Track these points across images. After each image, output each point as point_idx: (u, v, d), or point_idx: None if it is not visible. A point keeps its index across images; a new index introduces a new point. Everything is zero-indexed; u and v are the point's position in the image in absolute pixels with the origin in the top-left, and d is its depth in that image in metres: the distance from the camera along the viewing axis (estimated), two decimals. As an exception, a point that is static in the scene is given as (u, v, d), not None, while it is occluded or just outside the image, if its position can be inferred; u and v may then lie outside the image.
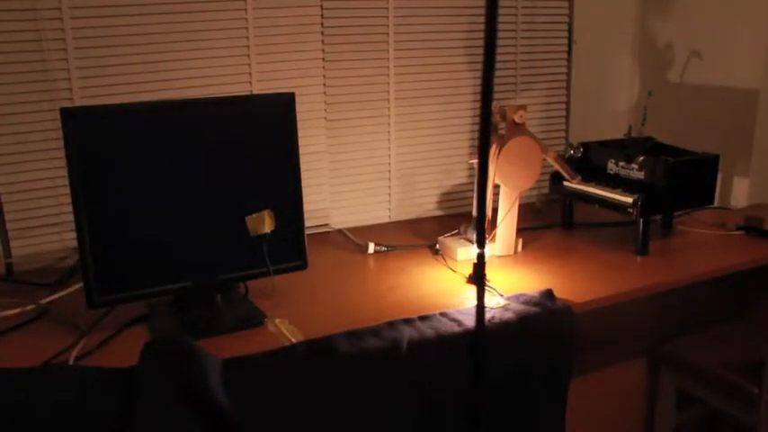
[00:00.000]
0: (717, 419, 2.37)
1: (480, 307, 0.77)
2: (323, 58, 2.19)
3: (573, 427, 1.76)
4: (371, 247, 2.06)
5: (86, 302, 1.46)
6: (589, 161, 2.22)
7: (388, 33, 2.26)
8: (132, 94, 1.94)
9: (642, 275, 1.86)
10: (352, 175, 2.32)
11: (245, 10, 2.05)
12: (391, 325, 1.51)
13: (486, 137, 0.68)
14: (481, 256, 0.75)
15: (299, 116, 1.66)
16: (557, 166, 2.13)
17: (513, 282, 1.81)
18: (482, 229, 0.77)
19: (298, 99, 1.64)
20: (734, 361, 2.02)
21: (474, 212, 2.13)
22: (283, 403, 1.36)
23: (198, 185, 1.54)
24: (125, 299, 1.51)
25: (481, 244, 0.82)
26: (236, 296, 1.68)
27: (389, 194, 2.39)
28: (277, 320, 1.55)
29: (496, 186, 2.01)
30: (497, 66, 2.47)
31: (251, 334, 1.51)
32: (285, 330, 1.50)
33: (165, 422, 1.25)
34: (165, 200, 1.51)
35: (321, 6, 2.15)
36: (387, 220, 2.41)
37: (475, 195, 2.13)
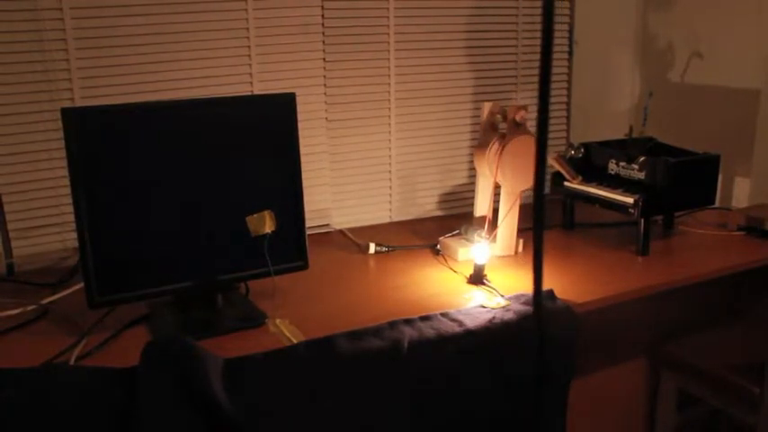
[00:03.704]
0: (717, 420, 2.37)
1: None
2: (323, 59, 2.19)
3: (574, 428, 1.76)
4: (372, 248, 2.06)
5: (87, 303, 1.46)
6: (590, 161, 2.22)
7: (388, 33, 2.26)
8: (132, 95, 1.94)
9: (643, 276, 1.86)
10: (353, 175, 2.32)
11: (246, 10, 2.05)
12: (392, 325, 1.51)
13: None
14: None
15: (299, 116, 1.65)
16: (557, 167, 2.13)
17: (513, 282, 1.80)
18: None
19: (298, 99, 1.64)
20: (734, 361, 2.01)
21: (475, 213, 2.13)
22: (284, 403, 1.36)
23: (198, 185, 1.54)
24: (126, 299, 1.51)
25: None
26: (236, 296, 1.68)
27: (390, 195, 2.39)
28: (278, 321, 1.55)
29: (497, 186, 2.01)
30: (497, 66, 2.47)
31: (252, 334, 1.51)
32: (286, 331, 1.50)
33: (165, 422, 1.25)
34: (166, 200, 1.51)
35: (322, 6, 2.15)
36: (387, 220, 2.40)
37: (476, 196, 2.13)
